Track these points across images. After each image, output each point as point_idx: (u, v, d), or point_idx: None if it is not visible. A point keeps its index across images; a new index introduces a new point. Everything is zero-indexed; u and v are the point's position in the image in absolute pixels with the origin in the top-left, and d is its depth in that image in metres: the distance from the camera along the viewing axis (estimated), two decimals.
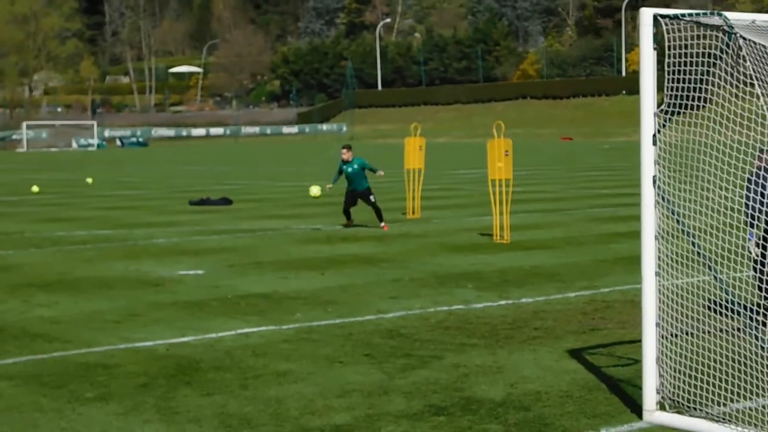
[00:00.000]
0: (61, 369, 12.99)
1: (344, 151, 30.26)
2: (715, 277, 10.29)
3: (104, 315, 16.62)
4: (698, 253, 10.56)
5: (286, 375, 12.47)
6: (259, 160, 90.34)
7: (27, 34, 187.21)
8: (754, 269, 12.36)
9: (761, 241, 12.74)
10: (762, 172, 12.54)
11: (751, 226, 12.48)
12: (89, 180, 57.39)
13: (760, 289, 11.84)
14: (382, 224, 28.93)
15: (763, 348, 10.24)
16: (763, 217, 12.31)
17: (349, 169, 29.66)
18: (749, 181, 12.01)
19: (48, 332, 15.30)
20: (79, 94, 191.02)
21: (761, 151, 12.56)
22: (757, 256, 12.33)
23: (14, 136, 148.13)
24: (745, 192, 11.57)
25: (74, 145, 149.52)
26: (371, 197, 29.49)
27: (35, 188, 50.74)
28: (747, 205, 11.80)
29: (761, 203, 11.26)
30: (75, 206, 40.84)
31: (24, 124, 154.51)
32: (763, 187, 11.35)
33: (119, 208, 38.96)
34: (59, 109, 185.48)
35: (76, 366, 13.13)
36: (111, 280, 20.38)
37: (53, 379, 12.47)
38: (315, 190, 32.38)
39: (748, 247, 12.96)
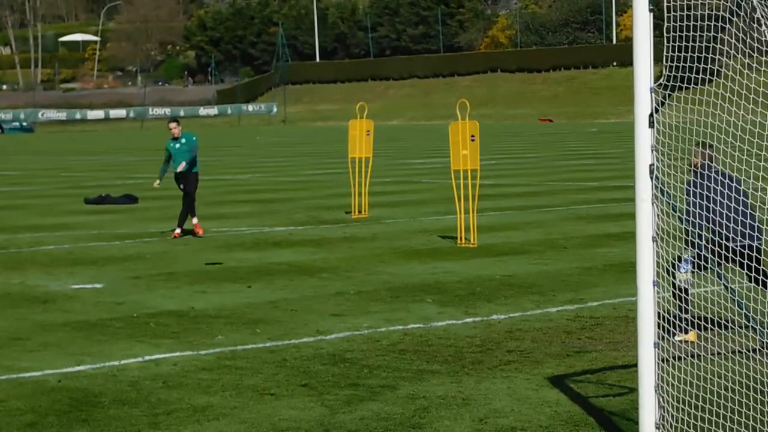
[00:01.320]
0: None
1: (173, 125, 29.89)
2: (726, 287, 10.36)
3: None
4: (705, 259, 10.64)
5: (205, 410, 12.44)
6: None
7: None
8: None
9: (699, 261, 12.65)
10: (705, 171, 12.42)
11: (691, 245, 11.62)
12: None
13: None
14: (195, 221, 29.13)
15: None
16: (705, 233, 11.91)
17: (177, 146, 29.25)
18: (689, 184, 11.60)
19: None
20: None
21: (700, 144, 12.32)
22: (681, 284, 12.33)
23: None
24: (684, 203, 11.23)
25: None
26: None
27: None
28: (685, 220, 11.28)
29: (702, 216, 11.05)
30: None
31: None
32: (709, 191, 11.19)
33: (1, 208, 38.79)
34: None
35: None
36: None
37: None
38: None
39: (677, 275, 12.81)
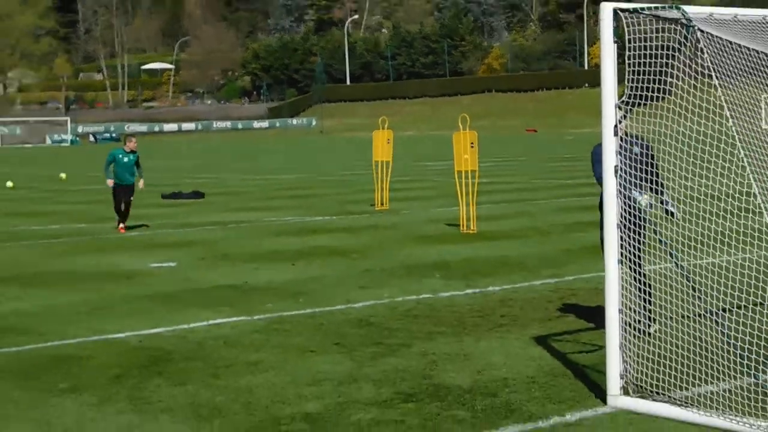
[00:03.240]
0: (33, 361, 12.92)
1: (133, 140, 29.09)
2: (676, 264, 10.31)
3: (77, 308, 16.53)
4: (660, 241, 10.58)
5: (257, 365, 12.42)
6: (231, 154, 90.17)
7: (1, 32, 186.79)
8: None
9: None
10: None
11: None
12: (63, 175, 57.22)
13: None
14: (121, 226, 28.22)
15: (723, 333, 10.27)
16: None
17: (125, 159, 28.12)
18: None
19: (20, 325, 15.22)
20: (53, 91, 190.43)
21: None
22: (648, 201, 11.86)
23: None
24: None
25: (48, 141, 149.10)
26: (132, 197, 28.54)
27: (10, 183, 50.56)
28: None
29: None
30: (49, 201, 40.72)
31: None
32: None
33: (92, 203, 38.78)
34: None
35: (48, 358, 13.05)
36: (84, 274, 20.30)
37: (26, 372, 12.40)
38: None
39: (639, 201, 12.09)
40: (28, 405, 10.95)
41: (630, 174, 10.48)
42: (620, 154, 10.23)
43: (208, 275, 19.65)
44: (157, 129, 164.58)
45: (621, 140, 10.84)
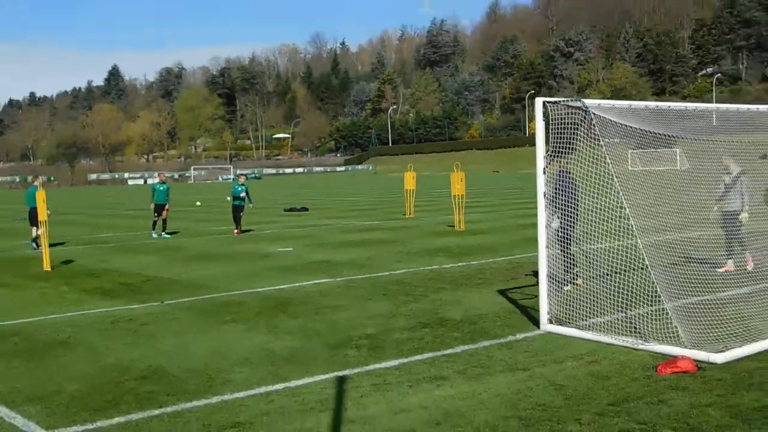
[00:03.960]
0: (212, 304, 13.01)
1: (242, 177, 27.87)
2: (580, 248, 10.28)
3: (236, 274, 16.63)
4: (567, 235, 10.54)
5: (339, 307, 12.45)
6: (323, 186, 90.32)
7: (193, 117, 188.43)
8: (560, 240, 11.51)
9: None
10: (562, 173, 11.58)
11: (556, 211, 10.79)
12: (229, 198, 57.47)
13: (564, 252, 11.53)
14: (236, 231, 26.38)
15: (608, 287, 10.21)
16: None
17: (239, 188, 26.72)
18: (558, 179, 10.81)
19: (205, 284, 15.33)
20: (222, 150, 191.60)
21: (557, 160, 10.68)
22: (558, 227, 11.56)
23: (186, 174, 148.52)
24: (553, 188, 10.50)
25: (219, 179, 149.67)
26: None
27: (198, 203, 50.88)
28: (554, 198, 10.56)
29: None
30: (220, 213, 40.91)
31: (192, 168, 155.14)
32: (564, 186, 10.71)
33: (245, 214, 38.89)
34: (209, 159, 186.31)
35: (220, 303, 13.14)
36: (240, 254, 20.41)
37: (208, 310, 12.49)
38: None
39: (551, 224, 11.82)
40: (209, 329, 11.04)
41: (556, 198, 10.48)
42: (549, 183, 10.23)
43: (310, 255, 19.70)
44: (281, 172, 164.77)
45: (559, 174, 10.85)
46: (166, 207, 26.33)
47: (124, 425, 6.96)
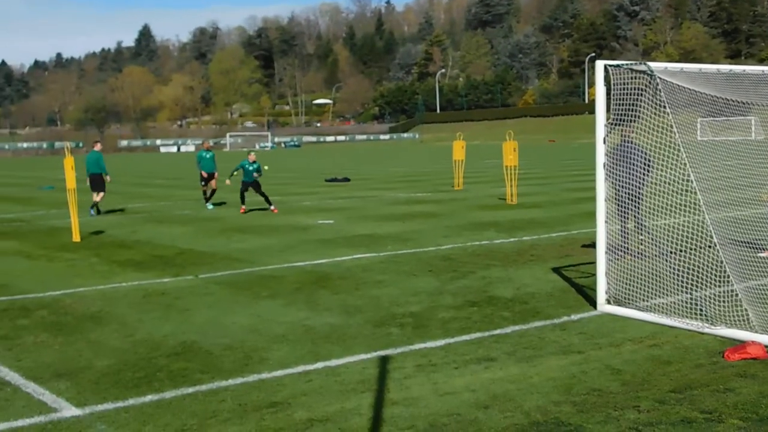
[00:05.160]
0: (248, 278, 13.17)
1: (252, 155, 25.27)
2: (641, 224, 10.22)
3: (274, 247, 16.79)
4: (628, 210, 10.48)
5: (382, 282, 12.53)
6: (366, 156, 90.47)
7: (228, 81, 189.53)
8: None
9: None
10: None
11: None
12: (266, 167, 57.73)
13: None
14: (272, 207, 24.57)
15: (671, 267, 10.13)
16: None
17: (250, 168, 24.69)
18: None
19: (242, 257, 15.51)
20: (259, 116, 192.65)
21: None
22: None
23: (222, 141, 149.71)
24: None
25: (257, 146, 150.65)
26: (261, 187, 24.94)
27: (228, 182, 51.20)
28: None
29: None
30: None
31: (228, 135, 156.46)
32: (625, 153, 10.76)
33: (284, 184, 39.21)
34: (248, 124, 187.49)
35: (257, 277, 13.30)
36: (279, 226, 20.59)
37: (244, 284, 12.65)
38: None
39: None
40: (245, 304, 11.19)
41: (615, 170, 10.40)
42: (609, 155, 10.16)
43: (352, 228, 19.80)
44: (321, 140, 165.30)
45: (621, 145, 10.81)
46: (215, 175, 26.64)
47: (157, 403, 7.12)
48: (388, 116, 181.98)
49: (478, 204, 25.46)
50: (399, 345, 8.82)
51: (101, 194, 24.95)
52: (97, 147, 25.68)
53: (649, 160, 11.46)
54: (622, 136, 11.77)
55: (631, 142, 11.38)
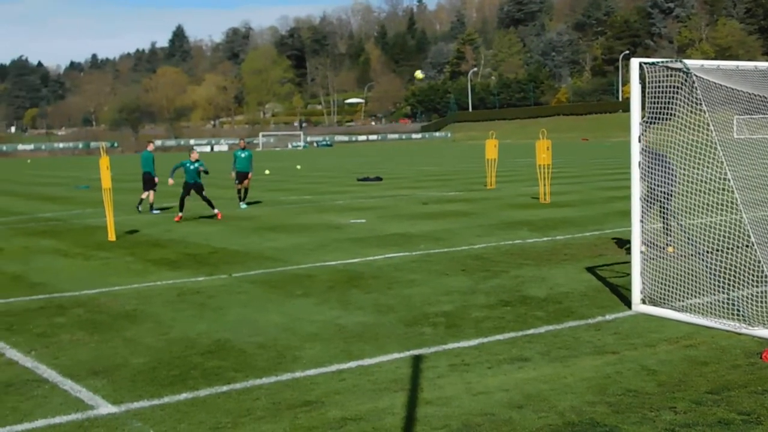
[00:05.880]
0: (281, 277, 13.23)
1: (195, 154, 22.83)
2: (678, 224, 10.11)
3: (307, 246, 16.85)
4: (666, 209, 10.38)
5: (414, 281, 12.52)
6: (398, 155, 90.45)
7: (261, 81, 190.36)
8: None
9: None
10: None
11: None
12: (298, 167, 58.16)
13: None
14: (216, 211, 22.87)
15: (707, 266, 10.03)
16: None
17: (191, 167, 22.50)
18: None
19: (274, 256, 15.58)
20: (292, 116, 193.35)
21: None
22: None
23: (254, 141, 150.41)
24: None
25: (289, 146, 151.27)
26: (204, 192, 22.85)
27: (267, 171, 51.56)
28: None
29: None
30: (289, 182, 41.41)
31: (260, 134, 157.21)
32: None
33: (316, 183, 39.37)
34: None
35: (290, 276, 13.35)
36: (311, 225, 20.65)
37: (277, 283, 12.71)
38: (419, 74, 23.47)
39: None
40: (278, 303, 11.24)
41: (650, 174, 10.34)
42: (643, 153, 10.07)
43: (384, 227, 19.81)
44: (353, 139, 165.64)
45: (646, 150, 10.72)
46: (249, 175, 26.64)
47: (192, 401, 7.17)
48: (420, 115, 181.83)
49: (510, 203, 25.36)
50: (432, 344, 8.81)
51: (151, 192, 25.56)
52: (150, 147, 26.47)
53: (670, 164, 11.30)
54: (644, 143, 11.81)
55: (649, 149, 11.35)
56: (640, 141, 9.93)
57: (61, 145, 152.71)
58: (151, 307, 11.13)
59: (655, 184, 10.35)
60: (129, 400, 7.23)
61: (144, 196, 25.62)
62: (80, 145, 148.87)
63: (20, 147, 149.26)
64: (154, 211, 25.47)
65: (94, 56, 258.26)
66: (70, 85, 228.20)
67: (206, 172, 22.75)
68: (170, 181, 23.45)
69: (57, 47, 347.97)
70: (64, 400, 7.30)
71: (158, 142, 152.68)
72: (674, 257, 11.17)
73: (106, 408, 7.04)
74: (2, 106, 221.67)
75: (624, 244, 15.03)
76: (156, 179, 25.75)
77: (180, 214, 22.54)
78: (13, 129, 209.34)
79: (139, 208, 25.63)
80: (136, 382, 7.77)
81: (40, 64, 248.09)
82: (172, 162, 27.21)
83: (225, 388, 7.48)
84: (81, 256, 16.36)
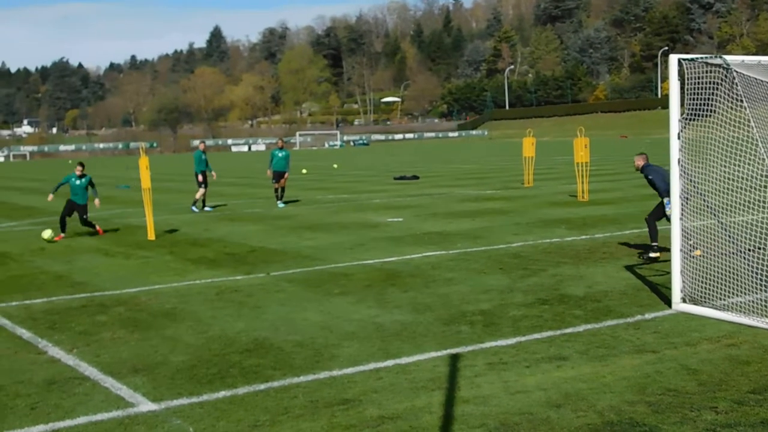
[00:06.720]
0: (319, 276, 13.27)
1: (79, 168, 19.79)
2: (719, 221, 9.99)
3: (344, 244, 16.89)
4: (707, 206, 10.23)
5: (451, 280, 12.50)
6: (435, 153, 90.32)
7: (297, 80, 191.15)
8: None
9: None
10: (649, 165, 14.32)
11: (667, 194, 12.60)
12: (335, 165, 58.32)
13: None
14: (97, 227, 20.10)
15: (749, 264, 9.89)
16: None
17: (78, 182, 19.63)
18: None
19: (312, 255, 15.64)
20: (328, 115, 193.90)
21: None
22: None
23: (291, 140, 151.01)
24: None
25: (326, 145, 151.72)
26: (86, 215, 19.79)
27: (304, 170, 51.78)
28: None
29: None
30: (327, 181, 41.52)
31: (297, 133, 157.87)
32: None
33: (353, 182, 39.43)
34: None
35: (328, 274, 13.39)
36: (348, 224, 20.69)
37: (314, 282, 12.75)
38: (46, 234, 18.90)
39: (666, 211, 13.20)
40: (316, 301, 11.28)
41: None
42: (683, 150, 9.96)
43: (421, 226, 19.79)
44: (390, 137, 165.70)
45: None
46: (285, 175, 26.76)
47: (230, 399, 7.22)
48: (456, 113, 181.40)
49: (548, 201, 25.21)
50: (469, 343, 8.79)
51: (202, 191, 25.88)
52: (201, 146, 26.81)
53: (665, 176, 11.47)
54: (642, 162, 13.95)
55: (650, 166, 11.84)
56: (679, 138, 9.83)
57: (101, 145, 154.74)
58: (191, 306, 11.22)
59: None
60: (169, 398, 7.29)
61: (199, 195, 25.85)
62: (120, 146, 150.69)
63: (62, 147, 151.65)
64: (207, 209, 25.83)
65: (133, 57, 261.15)
66: (110, 86, 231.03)
67: (95, 192, 19.83)
68: (50, 197, 20.35)
69: (97, 49, 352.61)
70: (105, 397, 7.39)
71: (196, 142, 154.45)
72: (703, 258, 11.05)
73: (146, 405, 7.11)
74: (44, 108, 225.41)
75: (664, 243, 14.87)
76: (214, 174, 26.46)
77: (62, 234, 19.49)
78: (54, 130, 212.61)
79: (194, 208, 25.67)
80: (176, 379, 7.84)
81: (80, 65, 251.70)
82: (211, 162, 27.29)
83: (263, 387, 7.53)
84: (122, 254, 16.55)
